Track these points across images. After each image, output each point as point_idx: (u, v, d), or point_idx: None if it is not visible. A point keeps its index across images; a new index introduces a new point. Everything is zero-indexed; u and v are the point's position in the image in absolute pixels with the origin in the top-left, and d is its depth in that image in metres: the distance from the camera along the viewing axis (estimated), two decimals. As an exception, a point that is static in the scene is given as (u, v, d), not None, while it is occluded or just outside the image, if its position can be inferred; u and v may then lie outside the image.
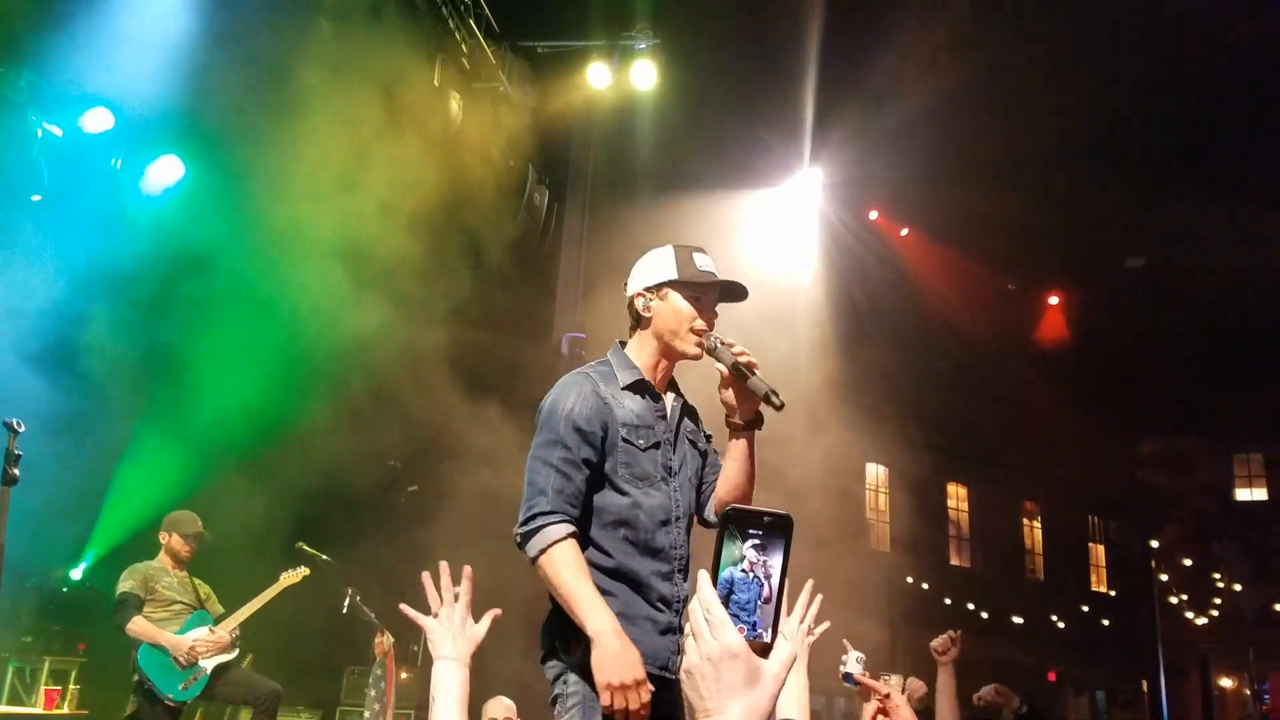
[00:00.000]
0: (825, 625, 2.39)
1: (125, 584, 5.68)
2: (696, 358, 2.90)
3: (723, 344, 2.83)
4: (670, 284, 2.89)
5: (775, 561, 1.20)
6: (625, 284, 3.02)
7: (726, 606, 1.18)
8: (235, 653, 5.94)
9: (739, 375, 2.76)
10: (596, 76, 9.70)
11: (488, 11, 9.29)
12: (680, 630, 2.78)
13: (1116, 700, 22.09)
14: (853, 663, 3.05)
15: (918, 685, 4.99)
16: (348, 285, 7.68)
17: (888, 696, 2.64)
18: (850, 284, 15.92)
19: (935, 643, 4.17)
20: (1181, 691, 22.23)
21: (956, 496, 22.50)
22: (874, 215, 17.13)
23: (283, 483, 7.71)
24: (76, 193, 6.99)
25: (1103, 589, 24.86)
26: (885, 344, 16.53)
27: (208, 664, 5.73)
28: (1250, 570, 23.66)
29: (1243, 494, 25.21)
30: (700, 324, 2.87)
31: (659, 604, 2.77)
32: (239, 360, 7.27)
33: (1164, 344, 20.88)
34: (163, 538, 5.95)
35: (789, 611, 2.11)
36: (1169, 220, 17.33)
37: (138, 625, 5.56)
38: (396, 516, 9.28)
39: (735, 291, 2.95)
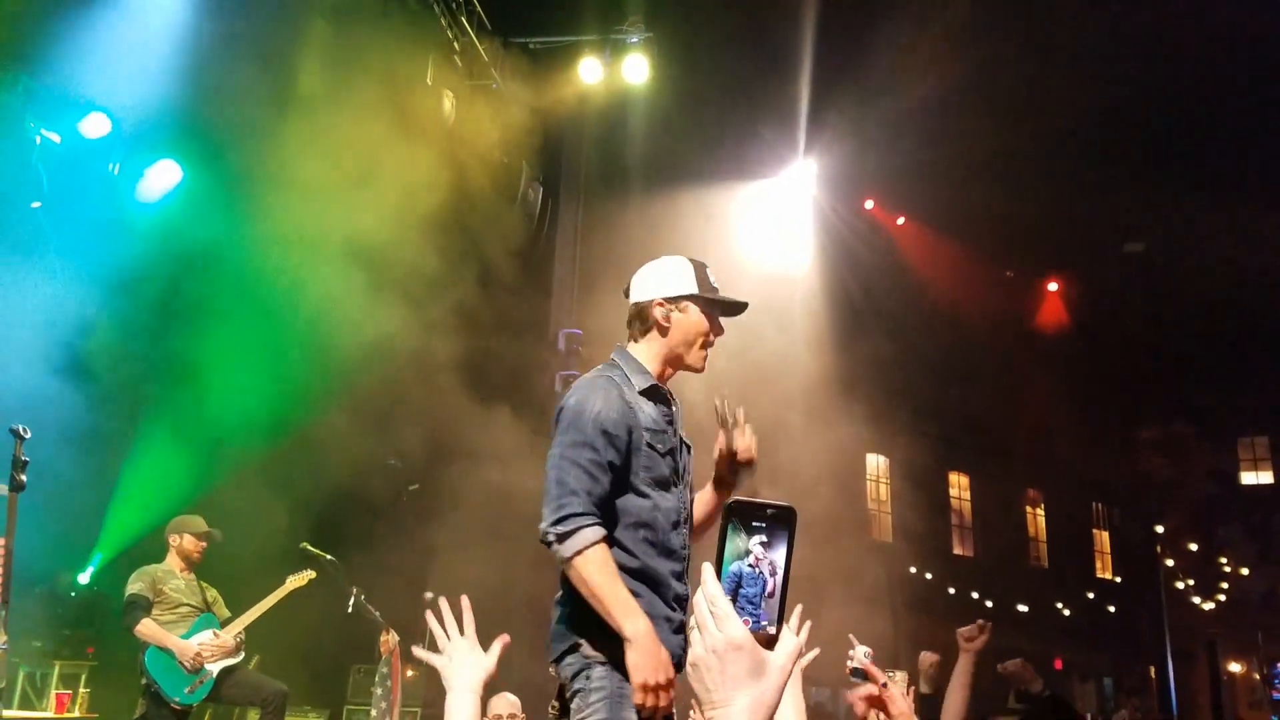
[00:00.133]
0: (815, 652, 2.50)
1: (134, 586, 5.71)
2: (700, 370, 3.04)
3: (734, 424, 3.04)
4: (690, 297, 2.98)
5: (779, 554, 1.21)
6: (630, 286, 3.07)
7: (735, 601, 1.19)
8: (241, 655, 5.95)
9: (732, 470, 3.08)
10: (589, 71, 9.70)
11: (480, 8, 9.29)
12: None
13: (1123, 687, 22.03)
14: (860, 657, 3.07)
15: (933, 657, 5.00)
16: (345, 284, 7.69)
17: (884, 686, 2.64)
18: (846, 274, 15.91)
19: (964, 630, 4.20)
20: (1189, 677, 22.20)
21: (958, 485, 22.49)
22: (869, 205, 17.14)
23: (286, 484, 7.73)
24: (75, 198, 7.00)
25: (1108, 575, 24.85)
26: (883, 334, 16.50)
27: (214, 667, 5.75)
28: (1256, 554, 23.58)
29: (1248, 477, 25.17)
30: (711, 338, 3.02)
31: (674, 603, 2.85)
32: (241, 363, 7.29)
33: (1166, 328, 20.84)
34: (174, 540, 5.96)
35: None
36: (1168, 204, 17.30)
37: (145, 628, 5.59)
38: (398, 515, 9.30)
39: (736, 308, 3.07)
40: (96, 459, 7.23)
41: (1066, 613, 22.49)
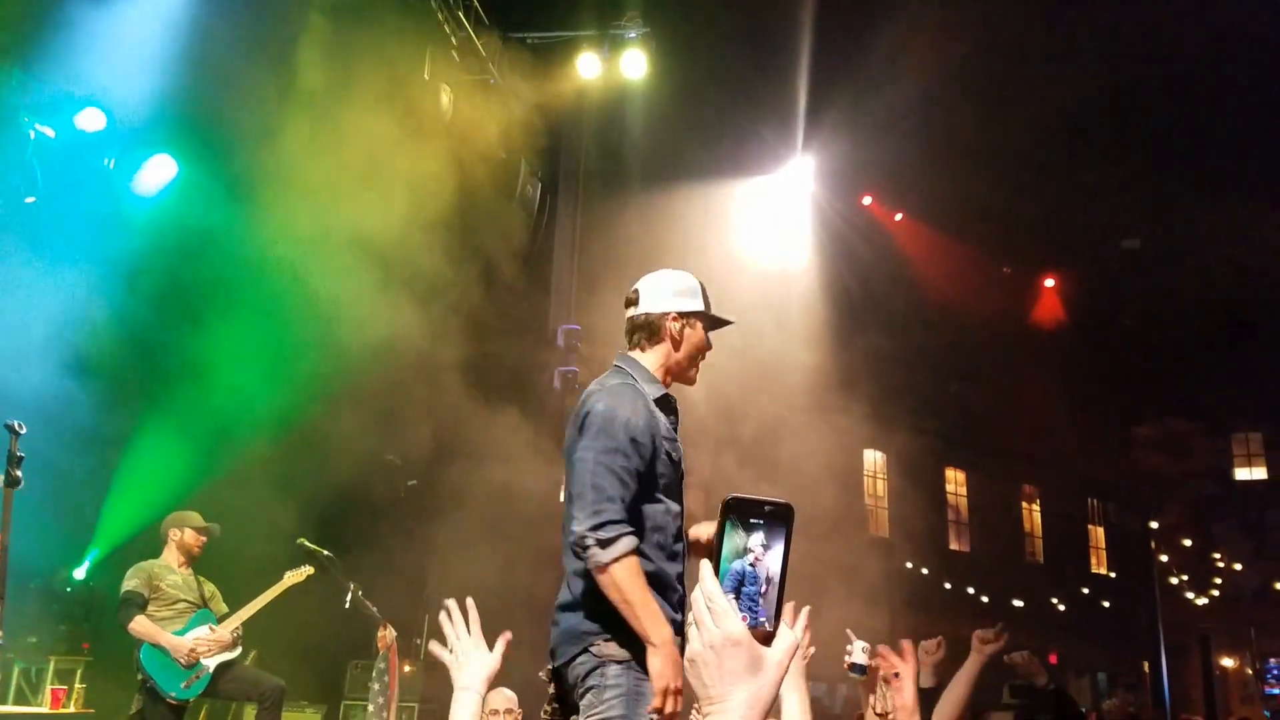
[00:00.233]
0: (812, 650, 2.52)
1: (129, 583, 5.67)
2: (693, 384, 3.21)
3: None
4: (699, 315, 3.14)
5: (777, 550, 1.20)
6: (638, 294, 3.12)
7: (737, 598, 1.19)
8: (238, 651, 5.94)
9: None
10: (587, 67, 9.68)
11: (478, 3, 9.27)
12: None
13: (1118, 681, 22.09)
14: (858, 653, 3.09)
15: (934, 644, 4.99)
16: (343, 279, 7.68)
17: (897, 675, 2.74)
18: (844, 270, 15.92)
19: (982, 632, 4.21)
20: (1183, 671, 22.29)
21: (955, 481, 22.53)
22: (867, 201, 17.14)
23: (286, 481, 7.72)
24: (71, 193, 6.98)
25: (1103, 571, 24.92)
26: (880, 330, 16.52)
27: (210, 662, 5.73)
28: (1250, 549, 23.68)
29: (1242, 473, 25.24)
30: (706, 355, 3.19)
31: (678, 605, 2.90)
32: (237, 358, 7.27)
33: (1161, 324, 20.88)
34: (173, 534, 5.92)
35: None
36: (1164, 201, 17.33)
37: (139, 624, 5.56)
38: (398, 513, 9.30)
39: (724, 324, 3.23)
40: (93, 454, 7.22)
41: (1062, 608, 22.56)
